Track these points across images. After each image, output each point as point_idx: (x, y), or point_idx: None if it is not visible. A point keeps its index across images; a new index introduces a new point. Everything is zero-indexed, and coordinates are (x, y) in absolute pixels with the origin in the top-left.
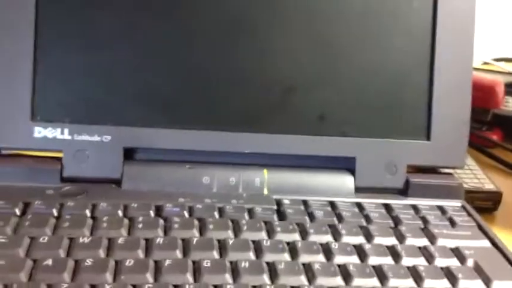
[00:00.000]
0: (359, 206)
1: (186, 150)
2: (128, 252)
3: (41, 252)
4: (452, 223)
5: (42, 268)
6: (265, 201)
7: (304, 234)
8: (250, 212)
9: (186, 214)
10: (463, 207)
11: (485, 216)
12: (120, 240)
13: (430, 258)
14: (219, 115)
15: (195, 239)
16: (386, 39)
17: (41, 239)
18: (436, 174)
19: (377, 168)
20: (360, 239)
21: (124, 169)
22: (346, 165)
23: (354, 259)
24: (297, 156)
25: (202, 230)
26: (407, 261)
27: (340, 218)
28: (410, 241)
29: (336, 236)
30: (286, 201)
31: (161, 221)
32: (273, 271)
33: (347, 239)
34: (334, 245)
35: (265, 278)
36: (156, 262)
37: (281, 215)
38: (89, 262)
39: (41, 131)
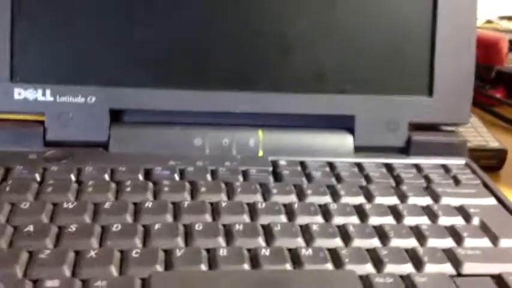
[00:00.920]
0: (359, 166)
1: (176, 111)
2: (115, 217)
3: (22, 219)
4: (457, 181)
5: (23, 234)
6: (260, 163)
7: (301, 195)
8: (245, 174)
9: (177, 177)
10: (467, 165)
11: (491, 175)
12: (107, 205)
13: (433, 217)
14: (211, 73)
15: (186, 203)
16: None
17: (22, 204)
18: (439, 131)
19: (377, 126)
20: (359, 199)
21: (111, 132)
22: (345, 124)
23: (354, 219)
24: (293, 115)
25: (193, 193)
26: (409, 220)
27: (339, 179)
28: (412, 200)
29: (335, 196)
30: (282, 163)
31: (150, 185)
32: (268, 233)
33: (346, 199)
34: (333, 206)
35: (261, 240)
36: (144, 227)
37: (277, 176)
38: (73, 228)
39: (21, 93)
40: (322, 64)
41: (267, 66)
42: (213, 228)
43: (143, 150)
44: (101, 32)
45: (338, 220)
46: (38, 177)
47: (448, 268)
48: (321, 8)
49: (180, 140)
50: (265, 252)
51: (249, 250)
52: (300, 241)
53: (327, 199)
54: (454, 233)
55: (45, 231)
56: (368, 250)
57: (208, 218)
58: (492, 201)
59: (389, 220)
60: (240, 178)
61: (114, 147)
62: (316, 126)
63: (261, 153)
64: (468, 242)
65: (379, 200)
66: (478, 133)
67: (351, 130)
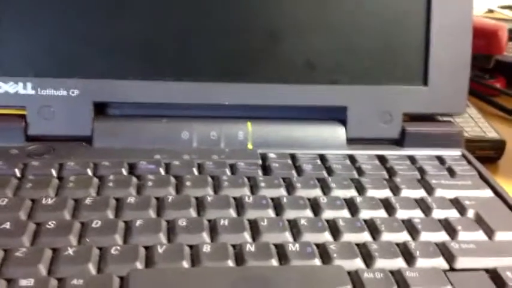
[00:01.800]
0: (351, 158)
1: (162, 104)
2: (96, 213)
3: None
4: (452, 173)
5: None
6: (249, 156)
7: (290, 189)
8: (233, 167)
9: (162, 171)
10: (463, 155)
11: (489, 166)
12: (88, 201)
13: (427, 210)
14: (198, 64)
15: (171, 197)
16: None
17: (0, 201)
18: (435, 122)
19: (370, 117)
20: (351, 192)
21: (94, 125)
22: (337, 115)
23: (344, 213)
24: (283, 107)
25: (179, 188)
26: (402, 213)
27: (330, 171)
28: (405, 193)
29: (325, 189)
30: (272, 156)
31: (134, 179)
32: (254, 228)
33: (337, 192)
34: (323, 199)
35: (246, 235)
36: (126, 223)
37: (266, 170)
38: (51, 224)
39: (1, 86)
40: (313, 54)
41: (256, 56)
42: (197, 224)
43: (128, 144)
44: (83, 22)
45: (328, 214)
46: (17, 172)
47: (441, 262)
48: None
49: (166, 133)
50: (251, 248)
51: (233, 246)
52: (287, 236)
53: (317, 192)
54: (447, 226)
55: (21, 228)
56: (358, 245)
57: (192, 213)
58: (488, 193)
59: (381, 213)
60: (228, 172)
61: (98, 141)
62: (307, 118)
63: (250, 146)
64: (462, 235)
65: (371, 192)
66: (476, 123)
67: (343, 122)
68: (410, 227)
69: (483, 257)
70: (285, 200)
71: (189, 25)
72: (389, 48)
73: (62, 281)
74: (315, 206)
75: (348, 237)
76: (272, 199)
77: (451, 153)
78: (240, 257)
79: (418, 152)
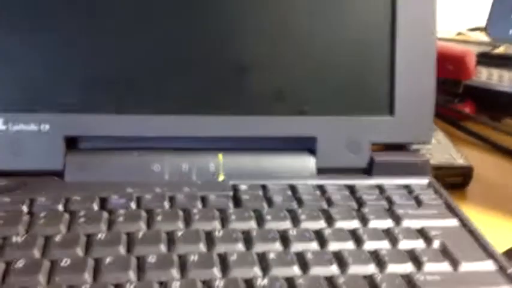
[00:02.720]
0: (321, 188)
1: (133, 137)
2: (65, 251)
3: None
4: (418, 202)
5: None
6: (221, 188)
7: (260, 221)
8: (204, 200)
9: (133, 205)
10: (431, 184)
11: (457, 193)
12: (58, 238)
13: (394, 241)
14: (167, 97)
15: (141, 233)
16: (344, 12)
17: None
18: (402, 151)
19: (339, 147)
20: (320, 224)
21: (66, 159)
22: (307, 145)
23: (313, 246)
24: (253, 138)
25: (150, 222)
26: (369, 245)
27: (300, 202)
28: (373, 223)
29: (295, 221)
30: (243, 187)
31: (105, 214)
32: (224, 263)
33: (306, 224)
34: (292, 232)
35: (216, 271)
36: (96, 260)
37: (237, 201)
38: (20, 263)
39: None
40: (281, 86)
41: (224, 88)
42: (166, 260)
43: (100, 177)
44: (51, 56)
45: (297, 247)
46: None
47: None
48: (279, 29)
49: (138, 166)
50: (219, 283)
51: (203, 282)
52: (256, 270)
53: (286, 224)
54: (413, 257)
55: None
56: (326, 278)
57: (163, 248)
58: (454, 222)
59: (349, 245)
60: (199, 204)
61: (69, 176)
62: (277, 149)
63: (221, 178)
64: (428, 266)
65: (340, 224)
66: (445, 149)
67: (312, 151)
68: (377, 258)
69: None
70: (254, 233)
71: (158, 60)
72: (355, 80)
73: None
74: (285, 239)
75: (317, 270)
76: (242, 232)
77: (419, 182)
78: None
79: (386, 181)
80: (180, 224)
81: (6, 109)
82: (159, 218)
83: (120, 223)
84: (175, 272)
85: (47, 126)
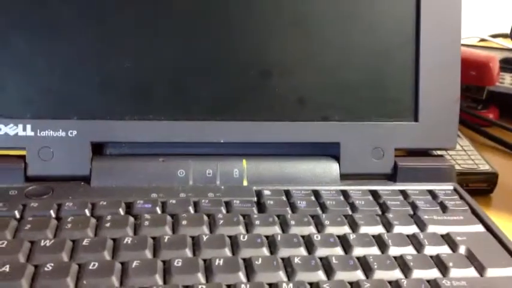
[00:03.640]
0: (344, 193)
1: (158, 143)
2: (93, 254)
3: None
4: (444, 208)
5: None
6: (245, 193)
7: (284, 226)
8: (228, 205)
9: (159, 210)
10: (455, 190)
11: (481, 199)
12: (85, 242)
13: (419, 246)
14: (192, 104)
15: (167, 237)
16: (369, 17)
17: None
18: (426, 156)
19: (363, 153)
20: (344, 229)
21: (92, 165)
22: (330, 151)
23: (337, 251)
24: (277, 144)
25: (175, 227)
26: (394, 250)
27: (324, 208)
28: (398, 229)
29: (319, 227)
30: (266, 192)
31: (131, 219)
32: (249, 268)
33: (330, 229)
34: (317, 237)
35: (241, 275)
36: (123, 264)
37: (261, 207)
38: (49, 267)
39: (1, 128)
40: (304, 91)
41: (248, 94)
42: (192, 264)
43: (125, 183)
44: (80, 64)
45: (321, 252)
46: (17, 214)
47: None
48: (303, 36)
49: (163, 172)
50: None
51: (228, 286)
52: (281, 275)
53: (310, 230)
54: (439, 263)
55: (20, 271)
56: (351, 283)
57: (188, 253)
58: (480, 228)
59: (373, 251)
60: (223, 210)
61: (95, 181)
62: (301, 154)
63: (245, 183)
64: (454, 272)
65: (364, 229)
66: (469, 156)
67: (336, 157)
68: (402, 264)
69: None
70: (279, 238)
71: (183, 65)
72: (379, 85)
73: None
74: (309, 244)
75: (341, 275)
76: (267, 237)
77: (443, 188)
78: None
79: (410, 187)
80: (205, 229)
81: (34, 116)
82: (184, 222)
83: (145, 227)
84: (200, 276)
85: (74, 132)
